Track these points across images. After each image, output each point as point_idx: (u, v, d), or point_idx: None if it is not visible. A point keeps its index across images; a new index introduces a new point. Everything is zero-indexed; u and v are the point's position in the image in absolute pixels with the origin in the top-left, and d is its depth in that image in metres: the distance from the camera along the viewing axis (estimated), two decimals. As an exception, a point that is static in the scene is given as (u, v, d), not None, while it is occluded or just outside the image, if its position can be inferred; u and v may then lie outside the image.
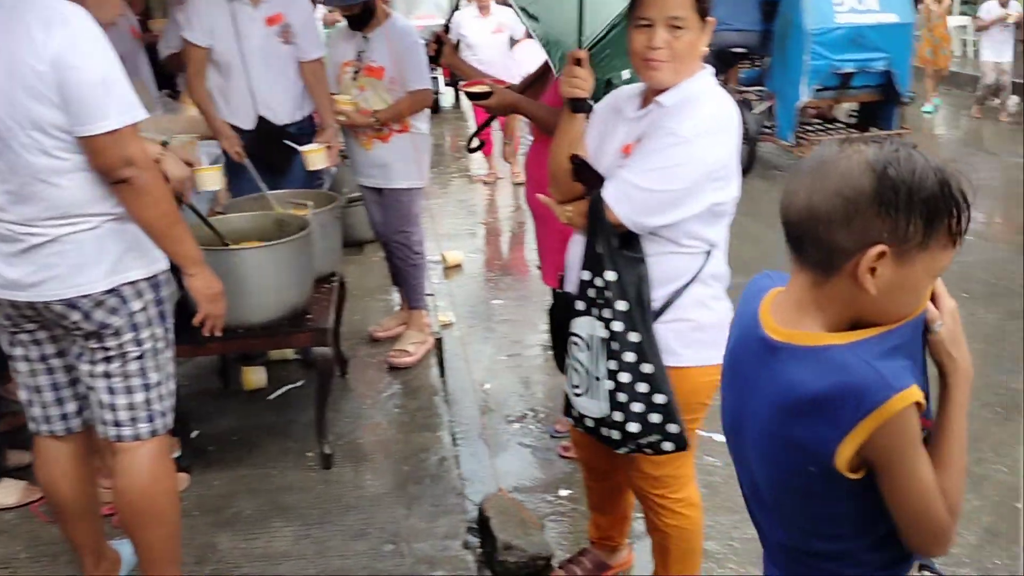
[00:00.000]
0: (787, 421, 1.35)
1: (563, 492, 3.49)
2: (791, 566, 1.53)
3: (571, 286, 2.37)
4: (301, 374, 4.14)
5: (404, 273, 4.50)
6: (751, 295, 1.49)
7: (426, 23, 10.11)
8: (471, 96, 3.16)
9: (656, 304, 2.22)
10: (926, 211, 1.24)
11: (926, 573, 1.51)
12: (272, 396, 4.01)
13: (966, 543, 3.07)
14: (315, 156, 4.02)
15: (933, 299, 1.37)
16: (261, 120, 4.08)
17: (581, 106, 2.30)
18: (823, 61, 8.00)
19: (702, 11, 2.15)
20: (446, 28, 3.63)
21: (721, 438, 4.00)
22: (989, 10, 9.82)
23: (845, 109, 9.37)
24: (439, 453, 3.50)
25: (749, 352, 1.44)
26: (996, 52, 9.92)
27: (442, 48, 3.44)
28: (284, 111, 4.10)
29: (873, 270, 1.26)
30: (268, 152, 4.05)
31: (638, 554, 3.01)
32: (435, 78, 12.65)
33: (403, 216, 4.38)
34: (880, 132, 8.28)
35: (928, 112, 10.80)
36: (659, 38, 2.11)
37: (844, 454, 1.28)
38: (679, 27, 2.11)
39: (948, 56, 10.55)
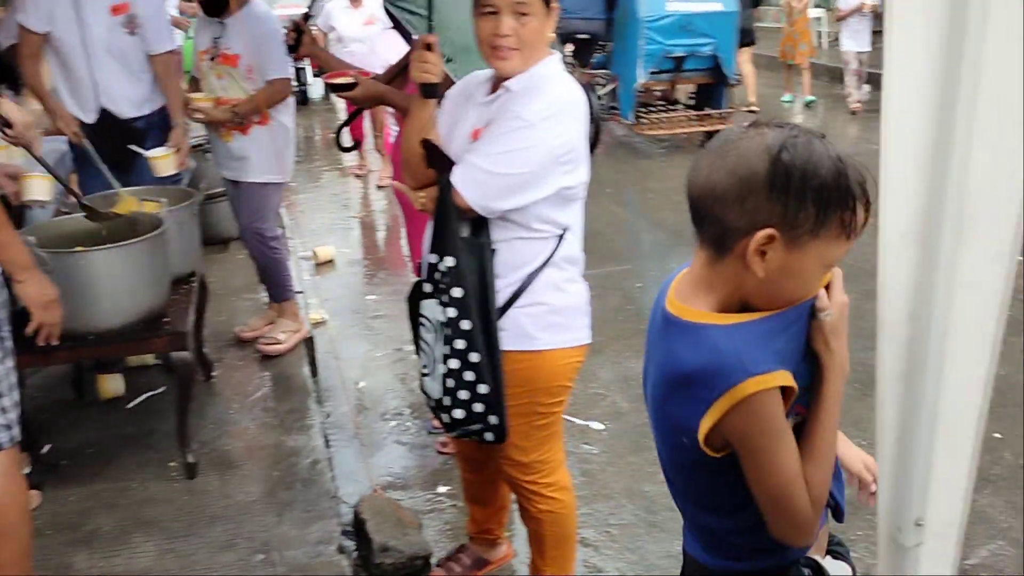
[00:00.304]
0: (667, 394, 1.39)
1: (441, 489, 3.44)
2: (695, 534, 1.57)
3: (423, 271, 2.36)
4: (162, 380, 3.94)
5: (265, 269, 4.36)
6: (677, 270, 1.50)
7: (290, 12, 9.84)
8: (334, 88, 3.06)
9: (510, 289, 2.22)
10: (818, 199, 1.24)
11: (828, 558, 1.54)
12: (131, 405, 3.80)
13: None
14: (162, 162, 3.84)
15: (828, 289, 1.38)
16: (104, 113, 3.86)
17: (432, 91, 2.27)
18: (656, 46, 8.64)
19: None
20: (306, 16, 3.50)
21: (598, 425, 4.04)
22: (848, 0, 10.09)
23: (686, 91, 10.00)
24: (311, 456, 3.39)
25: (655, 325, 1.46)
26: (856, 42, 10.16)
27: (301, 37, 3.32)
28: (129, 104, 3.91)
29: (763, 253, 1.27)
30: (112, 147, 3.83)
31: (518, 548, 2.99)
32: (302, 69, 12.42)
33: (257, 211, 4.24)
34: (711, 112, 9.21)
35: (787, 101, 11.09)
36: (505, 25, 2.10)
37: (703, 430, 1.31)
38: (525, 14, 2.11)
39: (808, 51, 10.84)
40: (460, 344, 2.20)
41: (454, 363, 2.21)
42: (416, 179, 2.34)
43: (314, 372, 4.21)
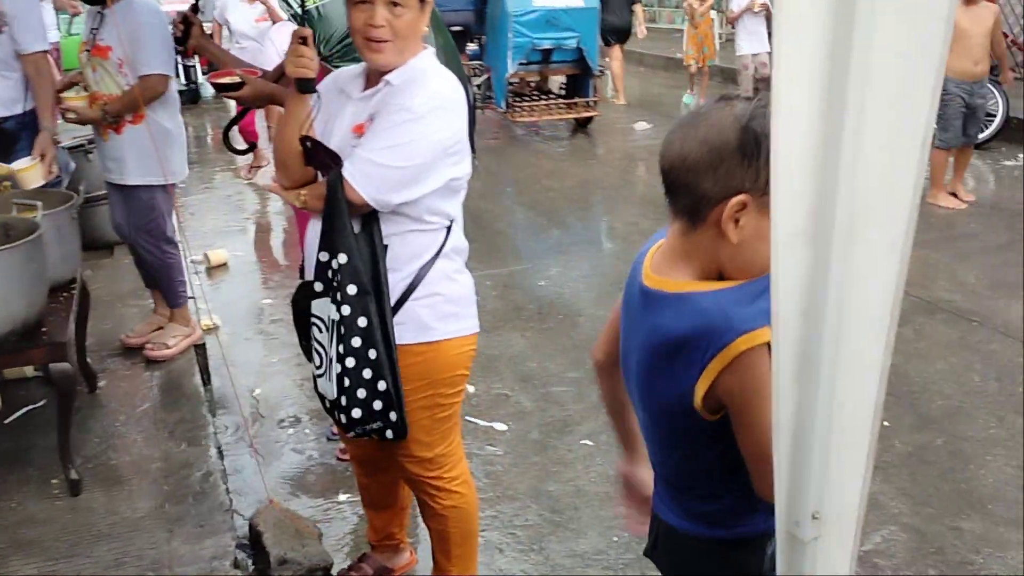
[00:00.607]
0: (657, 367, 1.42)
1: (342, 496, 3.36)
2: (673, 503, 1.58)
3: (309, 270, 2.31)
4: (42, 393, 3.73)
5: (157, 274, 4.18)
6: (646, 247, 1.51)
7: (179, 7, 9.53)
8: (220, 88, 2.95)
9: (404, 282, 2.23)
10: None
11: None
12: (8, 420, 3.59)
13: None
14: (28, 174, 3.64)
15: None
16: None
17: (308, 86, 2.23)
18: (525, 39, 9.34)
19: None
20: (195, 8, 3.37)
21: (502, 426, 4.02)
22: (739, 1, 9.85)
23: (558, 82, 10.69)
24: (204, 468, 3.25)
25: (633, 300, 1.48)
26: (751, 44, 9.90)
27: (189, 30, 3.19)
28: None
29: (736, 220, 1.31)
30: None
31: (420, 556, 2.94)
32: (192, 66, 12.05)
33: (142, 214, 4.05)
34: (579, 100, 10.02)
35: (687, 103, 11.16)
36: (379, 16, 2.12)
37: (699, 394, 1.34)
38: (398, 5, 2.12)
39: (710, 54, 10.93)
40: (356, 342, 2.16)
41: (351, 361, 2.17)
42: (292, 178, 2.30)
43: (206, 380, 4.05)
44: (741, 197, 1.30)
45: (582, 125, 10.31)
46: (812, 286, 1.19)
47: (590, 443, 3.69)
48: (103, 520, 2.96)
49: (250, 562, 2.87)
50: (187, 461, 3.31)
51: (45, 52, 3.89)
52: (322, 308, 2.22)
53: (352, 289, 2.14)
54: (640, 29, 11.87)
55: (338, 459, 3.57)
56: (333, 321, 2.18)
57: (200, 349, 4.20)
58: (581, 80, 9.99)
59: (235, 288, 5.63)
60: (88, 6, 3.90)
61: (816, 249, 1.17)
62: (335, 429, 3.66)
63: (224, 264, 5.87)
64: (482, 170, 8.16)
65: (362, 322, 2.15)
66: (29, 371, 3.85)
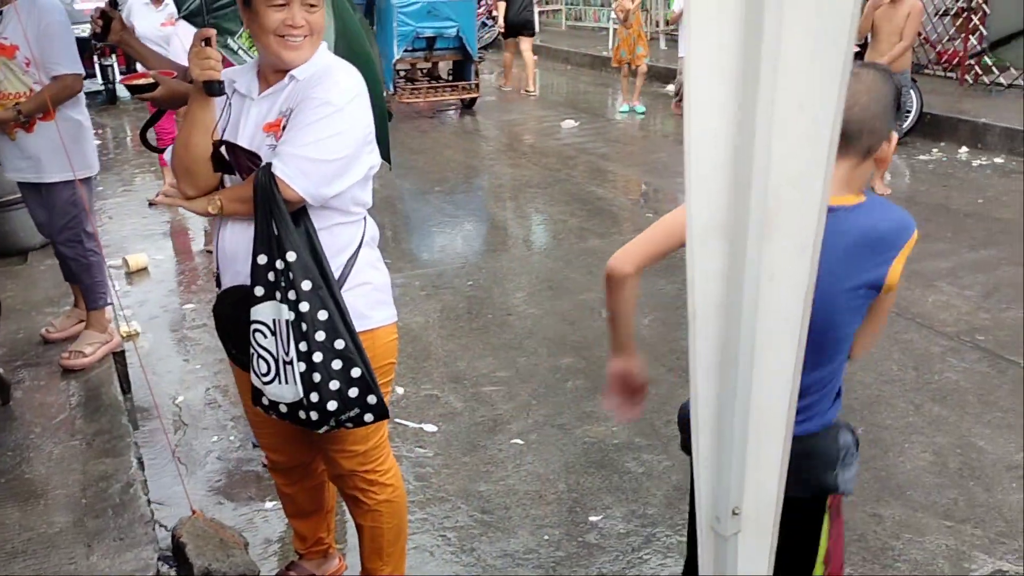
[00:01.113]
0: (854, 260, 1.76)
1: (268, 504, 3.30)
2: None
3: (232, 278, 2.26)
4: (-48, 406, 3.59)
5: (78, 274, 4.06)
6: None
7: (93, 5, 9.25)
8: (134, 90, 2.87)
9: (336, 273, 2.22)
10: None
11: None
12: (-85, 435, 3.44)
13: (657, 501, 3.26)
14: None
15: None
16: None
17: (215, 89, 2.18)
18: (408, 27, 10.71)
19: None
20: (113, 3, 3.27)
21: (431, 427, 4.00)
22: (681, 2, 10.00)
23: (447, 68, 12.07)
24: (123, 479, 3.15)
25: None
26: None
27: (109, 24, 3.10)
28: None
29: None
30: None
31: (348, 561, 2.90)
32: (110, 66, 11.72)
33: (65, 212, 3.96)
34: (460, 83, 11.45)
35: (623, 112, 10.95)
36: (298, 16, 2.15)
37: (896, 270, 1.77)
38: (313, 4, 2.16)
39: (644, 54, 10.90)
40: (320, 336, 2.13)
41: (318, 356, 2.13)
42: (198, 185, 2.24)
43: (126, 388, 3.94)
44: (894, 134, 1.82)
45: (467, 106, 11.56)
46: (728, 281, 1.20)
47: (520, 442, 3.69)
48: (17, 536, 2.85)
49: (173, 574, 2.80)
50: (106, 473, 3.20)
51: None
52: (266, 312, 2.16)
53: (307, 285, 2.11)
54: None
55: (264, 466, 3.50)
56: (288, 322, 2.12)
57: (119, 356, 4.09)
58: (463, 65, 11.42)
59: (155, 293, 5.48)
60: None
61: (731, 244, 1.18)
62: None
63: (144, 269, 5.72)
64: (403, 169, 8.12)
65: (323, 315, 2.13)
66: (-63, 384, 3.70)
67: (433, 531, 3.15)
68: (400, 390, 4.09)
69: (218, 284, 2.38)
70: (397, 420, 3.80)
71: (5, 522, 2.93)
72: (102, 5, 3.24)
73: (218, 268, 2.36)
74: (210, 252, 5.83)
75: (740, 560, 1.33)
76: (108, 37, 3.13)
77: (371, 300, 2.31)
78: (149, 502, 3.08)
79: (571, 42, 16.04)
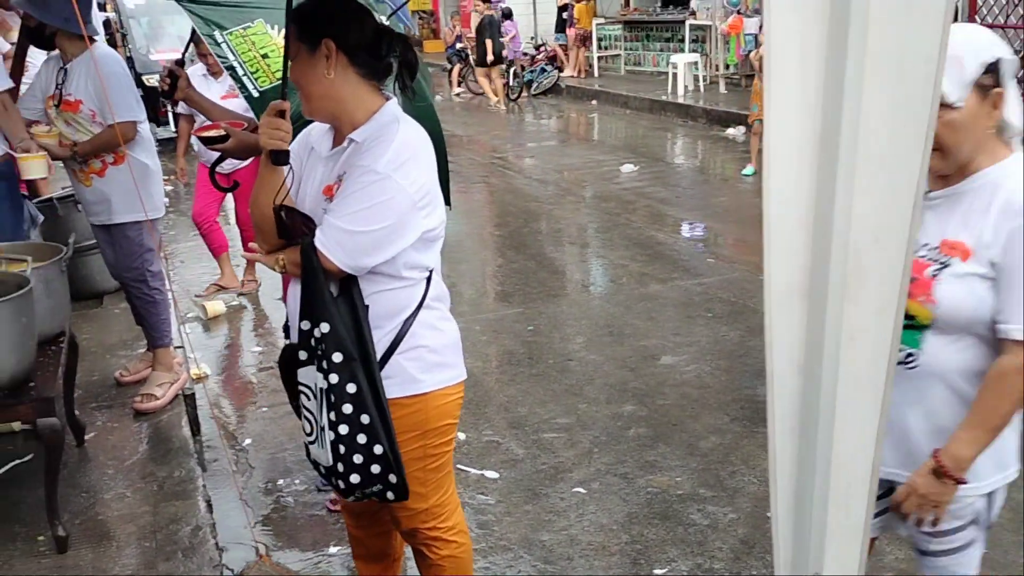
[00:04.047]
0: None
1: (332, 549, 3.32)
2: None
3: (294, 334, 2.29)
4: (30, 447, 3.69)
5: (143, 312, 4.21)
6: None
7: (169, 57, 9.58)
8: (206, 141, 2.99)
9: (388, 338, 2.21)
10: None
11: None
12: (-5, 475, 3.55)
13: (724, 555, 3.20)
14: (33, 164, 3.77)
15: None
16: None
17: (282, 158, 2.22)
18: None
19: (308, 40, 2.17)
20: (180, 63, 3.41)
21: (493, 474, 3.99)
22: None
23: None
24: (192, 522, 3.21)
25: None
26: None
27: (176, 82, 3.23)
28: None
29: None
30: None
31: (413, 608, 2.90)
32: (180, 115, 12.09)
33: (132, 252, 4.15)
34: None
35: (748, 175, 9.41)
36: (293, 71, 2.19)
37: None
38: (292, 58, 2.19)
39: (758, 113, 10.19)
40: (347, 408, 2.13)
41: (343, 428, 2.14)
42: (270, 242, 2.29)
43: (195, 431, 4.02)
44: None
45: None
46: (808, 342, 1.19)
47: (583, 491, 3.66)
48: (90, 578, 2.92)
49: (240, 619, 2.83)
50: (175, 516, 3.27)
51: (7, 90, 3.96)
52: (308, 376, 2.19)
53: (338, 357, 2.11)
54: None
55: (328, 510, 3.53)
56: (321, 389, 2.14)
57: (189, 399, 4.17)
58: None
59: (224, 336, 5.60)
60: (44, 60, 3.98)
61: (811, 305, 1.18)
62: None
63: (220, 316, 5.82)
64: (462, 214, 8.20)
65: (351, 388, 2.12)
66: (15, 425, 3.82)
67: (496, 580, 3.13)
68: (462, 436, 4.09)
69: (286, 335, 2.43)
70: (459, 466, 3.80)
71: (79, 563, 2.99)
72: (172, 59, 3.40)
73: (287, 320, 2.41)
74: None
75: (820, 625, 1.30)
76: (175, 95, 3.28)
77: (426, 363, 2.27)
78: (217, 545, 3.12)
79: (629, 87, 16.10)
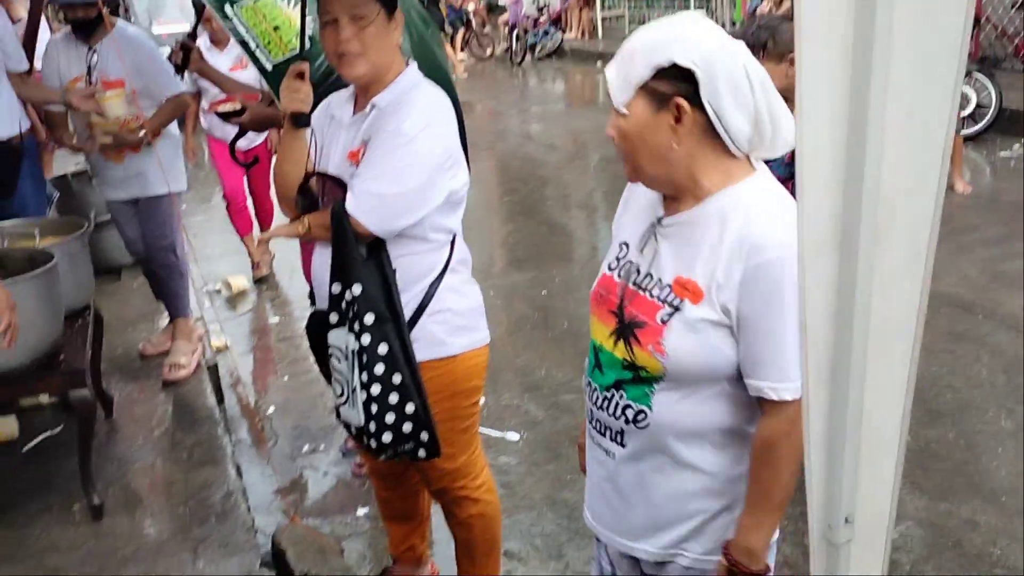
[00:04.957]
0: None
1: (360, 511, 3.38)
2: None
3: (321, 300, 2.32)
4: (59, 419, 3.75)
5: (169, 283, 4.27)
6: None
7: (171, 30, 9.55)
8: (223, 115, 3.00)
9: (415, 301, 2.24)
10: None
11: None
12: (27, 448, 3.61)
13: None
14: (113, 103, 3.85)
15: None
16: None
17: (303, 120, 2.24)
18: None
19: (388, 4, 2.16)
20: (192, 35, 3.42)
21: (514, 436, 4.04)
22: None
23: None
24: (223, 488, 3.27)
25: None
26: None
27: (188, 55, 3.25)
28: (1, 125, 3.84)
29: None
30: None
31: (441, 565, 2.96)
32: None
33: (164, 224, 4.21)
34: None
35: None
36: (346, 31, 2.11)
37: None
38: (362, 17, 2.12)
39: None
40: (379, 369, 2.17)
41: (376, 388, 2.17)
42: (293, 210, 2.32)
43: (220, 400, 4.08)
44: None
45: None
46: (840, 291, 1.21)
47: (604, 450, 3.71)
48: (127, 544, 2.99)
49: (274, 580, 2.89)
50: (206, 482, 3.33)
51: (25, 72, 4.05)
52: (339, 338, 2.22)
53: (370, 318, 2.15)
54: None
55: (354, 474, 3.59)
56: (352, 351, 2.18)
57: (212, 370, 4.24)
58: None
59: (243, 307, 5.64)
60: (75, 41, 3.96)
61: (843, 255, 1.20)
62: (350, 444, 3.68)
63: (244, 292, 5.83)
64: (471, 181, 8.19)
65: (383, 349, 2.16)
66: (43, 398, 3.88)
67: (521, 538, 3.19)
68: (481, 399, 4.14)
69: (312, 302, 2.47)
70: (480, 429, 3.84)
71: (115, 531, 3.06)
72: (177, 31, 3.42)
73: (311, 288, 2.45)
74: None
75: (853, 568, 1.34)
76: (188, 67, 3.30)
77: (452, 327, 2.30)
78: (248, 510, 3.19)
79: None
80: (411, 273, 2.23)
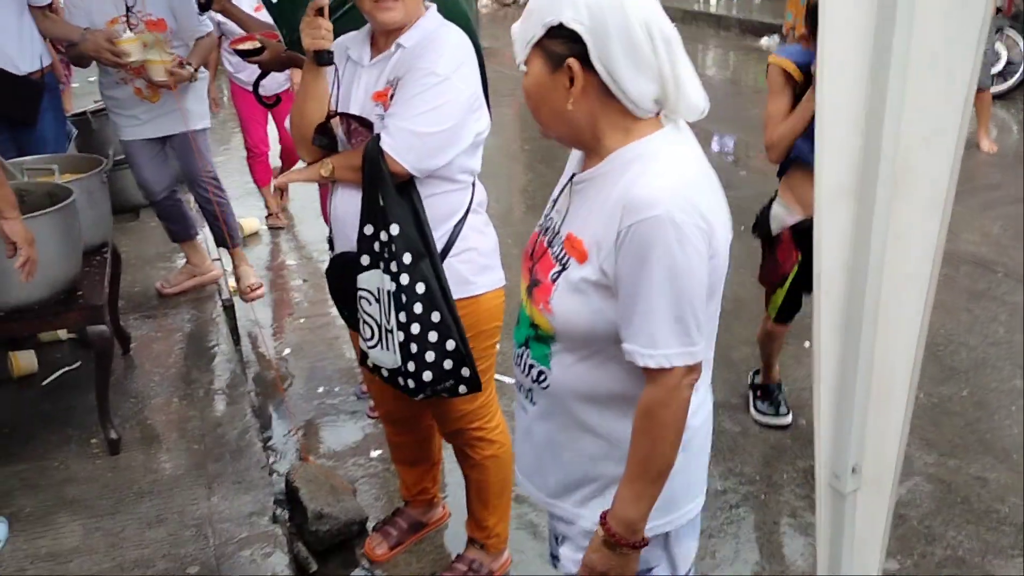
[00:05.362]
0: None
1: (374, 453, 3.42)
2: None
3: (343, 243, 2.32)
4: (77, 355, 3.80)
5: (221, 213, 4.34)
6: None
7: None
8: (242, 54, 2.98)
9: (441, 241, 2.25)
10: None
11: None
12: (46, 382, 3.66)
13: (754, 460, 3.26)
14: (157, 66, 3.96)
15: None
16: None
17: (326, 58, 2.22)
18: None
19: None
20: None
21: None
22: None
23: None
24: (239, 426, 3.31)
25: None
26: None
27: None
28: (23, 59, 3.81)
29: None
30: (5, 103, 3.79)
31: (452, 510, 3.00)
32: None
33: (204, 156, 4.33)
34: None
35: None
36: None
37: None
38: None
39: None
40: (418, 308, 2.18)
41: (415, 328, 2.18)
42: (312, 152, 2.31)
43: (236, 341, 4.11)
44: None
45: None
46: (855, 241, 1.21)
47: (616, 398, 3.72)
48: (143, 478, 3.04)
49: (287, 517, 2.94)
50: (222, 420, 3.37)
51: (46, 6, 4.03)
52: (371, 280, 2.22)
53: (408, 258, 2.15)
54: None
55: (369, 416, 3.63)
56: (389, 292, 2.17)
57: (229, 310, 4.27)
58: None
59: (259, 250, 5.66)
60: None
61: (859, 204, 1.19)
62: (364, 387, 3.72)
63: (255, 233, 5.85)
64: (491, 128, 8.12)
65: (421, 288, 2.16)
66: (62, 334, 3.92)
67: (531, 483, 3.22)
68: (497, 347, 4.15)
69: (331, 246, 2.46)
70: (497, 376, 3.87)
71: (132, 464, 3.11)
72: None
73: (331, 231, 2.44)
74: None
75: (858, 517, 1.35)
76: (211, 6, 3.28)
77: (476, 266, 2.32)
78: (263, 448, 3.24)
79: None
80: (439, 213, 2.24)
